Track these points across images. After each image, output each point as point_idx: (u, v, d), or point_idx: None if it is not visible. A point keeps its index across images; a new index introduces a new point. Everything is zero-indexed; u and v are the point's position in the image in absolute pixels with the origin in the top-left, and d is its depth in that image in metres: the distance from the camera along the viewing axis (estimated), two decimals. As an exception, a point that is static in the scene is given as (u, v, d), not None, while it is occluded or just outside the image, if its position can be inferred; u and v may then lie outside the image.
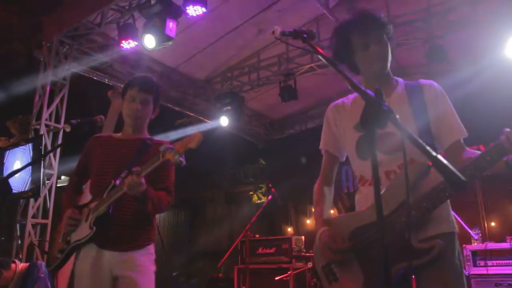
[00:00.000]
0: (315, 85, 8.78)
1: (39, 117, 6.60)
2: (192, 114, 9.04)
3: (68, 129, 2.87)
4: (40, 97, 6.66)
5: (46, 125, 6.55)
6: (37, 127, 6.54)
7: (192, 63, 8.12)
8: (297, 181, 9.40)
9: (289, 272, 6.46)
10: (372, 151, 1.43)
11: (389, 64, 2.14)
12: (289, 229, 9.64)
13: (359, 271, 1.98)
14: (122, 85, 7.76)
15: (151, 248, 2.74)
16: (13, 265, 4.17)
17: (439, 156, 1.26)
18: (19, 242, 6.10)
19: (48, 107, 6.60)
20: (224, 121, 8.31)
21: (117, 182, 2.57)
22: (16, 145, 6.23)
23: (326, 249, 2.02)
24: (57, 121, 6.69)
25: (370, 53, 2.08)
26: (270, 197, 5.38)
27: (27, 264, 4.22)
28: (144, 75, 2.99)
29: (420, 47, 6.83)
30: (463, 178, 1.22)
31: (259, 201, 11.31)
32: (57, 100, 6.72)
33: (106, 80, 7.57)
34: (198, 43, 7.61)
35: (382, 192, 1.98)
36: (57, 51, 6.73)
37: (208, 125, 8.98)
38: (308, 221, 9.50)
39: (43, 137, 6.15)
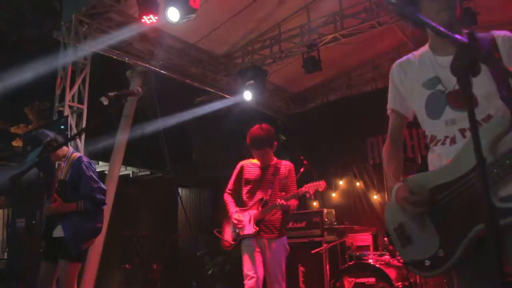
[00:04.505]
0: (336, 56, 8.58)
1: (62, 99, 6.50)
2: (212, 90, 8.90)
3: (106, 102, 2.80)
4: (62, 79, 6.55)
5: (70, 107, 6.46)
6: (61, 109, 6.46)
7: (211, 38, 7.95)
8: (320, 155, 9.27)
9: (324, 245, 6.39)
10: (470, 100, 1.29)
11: (457, 13, 1.99)
12: (314, 203, 9.52)
13: (434, 233, 1.87)
14: (142, 63, 7.65)
15: (284, 238, 4.34)
16: (66, 148, 4.23)
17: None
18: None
19: (71, 89, 6.51)
20: (247, 95, 8.13)
21: (266, 197, 4.30)
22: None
23: (405, 203, 1.91)
24: (80, 102, 6.60)
25: (437, 1, 1.93)
26: (302, 169, 5.26)
27: (77, 154, 4.26)
28: (256, 133, 4.35)
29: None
30: None
31: (281, 177, 11.16)
32: (79, 81, 6.61)
33: (127, 59, 7.45)
34: (217, 18, 7.44)
35: (459, 151, 1.86)
36: (76, 31, 6.60)
37: (229, 100, 8.83)
38: (333, 195, 9.38)
39: (68, 119, 6.10)
